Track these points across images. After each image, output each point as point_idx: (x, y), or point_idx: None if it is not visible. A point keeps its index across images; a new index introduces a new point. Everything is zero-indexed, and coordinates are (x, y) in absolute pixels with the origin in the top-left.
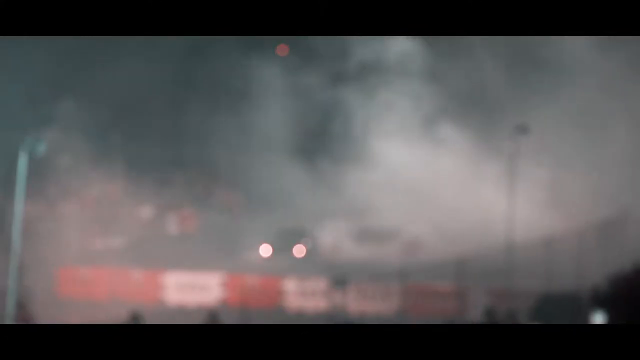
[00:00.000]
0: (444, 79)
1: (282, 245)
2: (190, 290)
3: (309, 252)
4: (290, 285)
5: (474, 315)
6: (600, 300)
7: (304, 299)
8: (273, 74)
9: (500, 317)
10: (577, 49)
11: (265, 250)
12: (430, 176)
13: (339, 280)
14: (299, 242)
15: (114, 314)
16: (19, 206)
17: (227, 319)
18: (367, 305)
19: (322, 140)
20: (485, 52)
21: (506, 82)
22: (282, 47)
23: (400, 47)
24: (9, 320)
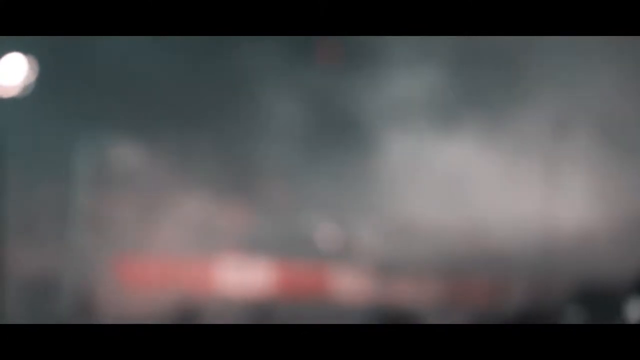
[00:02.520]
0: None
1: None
2: (243, 280)
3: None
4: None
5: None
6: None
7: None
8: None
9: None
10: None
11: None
12: (460, 169)
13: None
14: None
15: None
16: (83, 198)
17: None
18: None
19: (344, 134)
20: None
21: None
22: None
23: (419, 40)
24: (70, 311)
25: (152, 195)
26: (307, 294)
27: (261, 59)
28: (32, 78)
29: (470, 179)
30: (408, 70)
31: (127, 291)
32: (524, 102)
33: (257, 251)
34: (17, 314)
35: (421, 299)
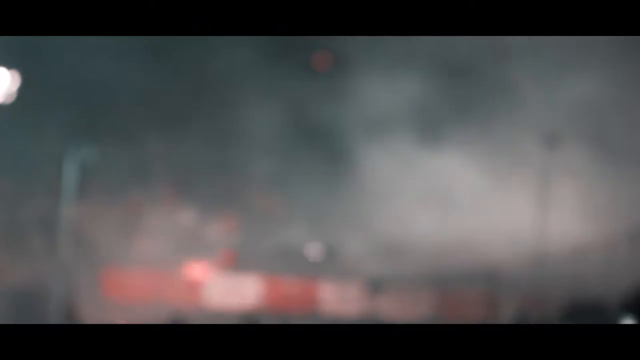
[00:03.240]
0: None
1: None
2: (230, 294)
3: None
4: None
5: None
6: (629, 306)
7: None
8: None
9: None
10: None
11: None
12: (450, 183)
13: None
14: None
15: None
16: (66, 210)
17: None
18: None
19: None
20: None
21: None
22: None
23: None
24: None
25: (137, 208)
26: (294, 308)
27: (253, 74)
28: (15, 87)
29: (462, 192)
30: (401, 84)
31: (112, 305)
32: (515, 116)
33: (243, 265)
34: None
35: (410, 313)
